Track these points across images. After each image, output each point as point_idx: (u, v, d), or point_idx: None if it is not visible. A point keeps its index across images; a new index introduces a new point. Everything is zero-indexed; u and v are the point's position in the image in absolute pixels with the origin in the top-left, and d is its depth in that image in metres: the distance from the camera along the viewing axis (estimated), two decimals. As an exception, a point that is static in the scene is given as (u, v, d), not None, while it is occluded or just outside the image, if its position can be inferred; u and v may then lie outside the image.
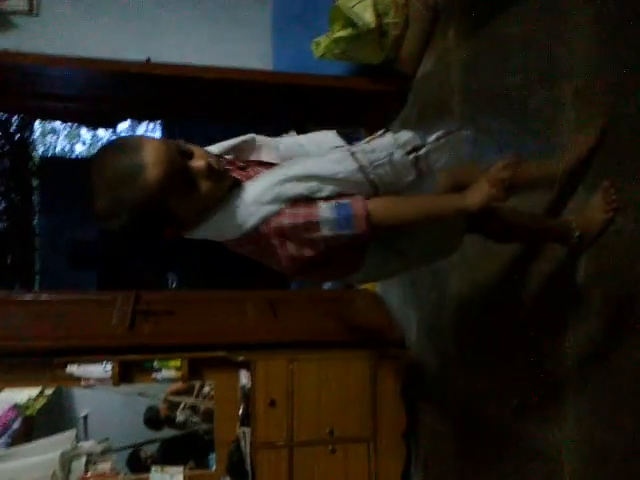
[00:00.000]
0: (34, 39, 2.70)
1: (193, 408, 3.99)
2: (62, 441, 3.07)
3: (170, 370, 2.62)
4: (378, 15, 2.46)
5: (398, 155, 1.19)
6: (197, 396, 3.96)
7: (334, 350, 2.73)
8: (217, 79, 2.51)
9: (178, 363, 2.59)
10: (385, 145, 1.20)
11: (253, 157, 1.33)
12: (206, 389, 3.92)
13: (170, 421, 3.99)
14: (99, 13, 2.87)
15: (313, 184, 1.14)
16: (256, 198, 1.14)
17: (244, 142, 1.33)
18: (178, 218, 1.15)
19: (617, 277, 1.47)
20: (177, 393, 3.97)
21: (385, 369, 2.73)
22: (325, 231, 1.13)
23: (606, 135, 1.48)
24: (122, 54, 2.59)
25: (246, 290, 3.13)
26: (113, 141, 1.15)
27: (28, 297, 2.91)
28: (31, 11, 2.75)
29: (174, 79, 2.53)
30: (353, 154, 1.16)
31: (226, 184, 1.16)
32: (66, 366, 2.50)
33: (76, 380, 2.55)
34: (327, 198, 1.14)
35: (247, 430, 2.65)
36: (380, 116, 2.78)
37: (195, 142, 1.19)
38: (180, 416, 3.96)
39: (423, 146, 1.23)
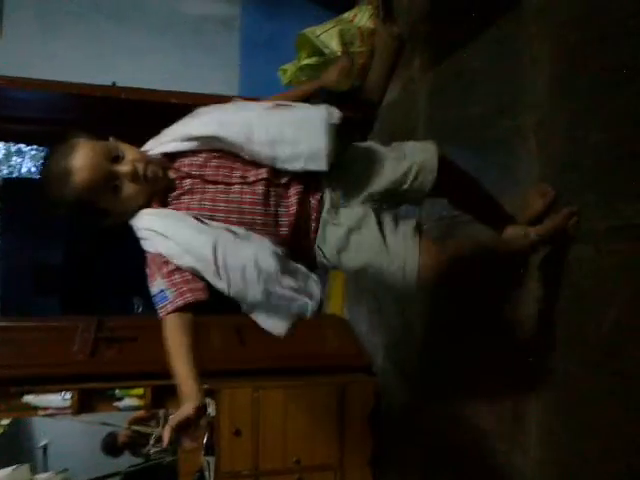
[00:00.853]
0: (-3, 61, 2.66)
1: (159, 437, 3.91)
2: (18, 474, 2.96)
3: (132, 398, 2.56)
4: (344, 44, 2.50)
5: (250, 271, 1.16)
6: (163, 425, 3.88)
7: (301, 377, 2.71)
8: (183, 104, 2.51)
9: (141, 391, 2.54)
10: (244, 257, 1.17)
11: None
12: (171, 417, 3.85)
13: (129, 448, 3.90)
14: (64, 36, 2.85)
15: (175, 249, 1.18)
16: (138, 228, 1.24)
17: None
18: (114, 212, 1.24)
19: (578, 306, 1.49)
20: (140, 420, 3.88)
21: (352, 396, 2.72)
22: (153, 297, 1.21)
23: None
24: (88, 78, 2.57)
25: (212, 315, 3.08)
26: (60, 142, 1.23)
27: (-15, 324, 2.82)
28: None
29: (140, 103, 2.52)
30: (214, 248, 1.15)
31: (154, 186, 1.23)
32: (22, 395, 2.42)
33: (33, 410, 2.47)
34: (175, 269, 1.18)
35: (211, 460, 2.60)
36: (346, 144, 2.80)
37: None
38: (153, 448, 3.87)
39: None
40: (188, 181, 1.24)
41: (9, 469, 3.11)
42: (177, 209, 1.24)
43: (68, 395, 2.44)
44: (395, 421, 2.67)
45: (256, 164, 1.24)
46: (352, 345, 2.97)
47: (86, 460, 3.98)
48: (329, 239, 1.26)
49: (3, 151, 8.81)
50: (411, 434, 2.50)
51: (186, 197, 1.24)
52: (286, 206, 1.24)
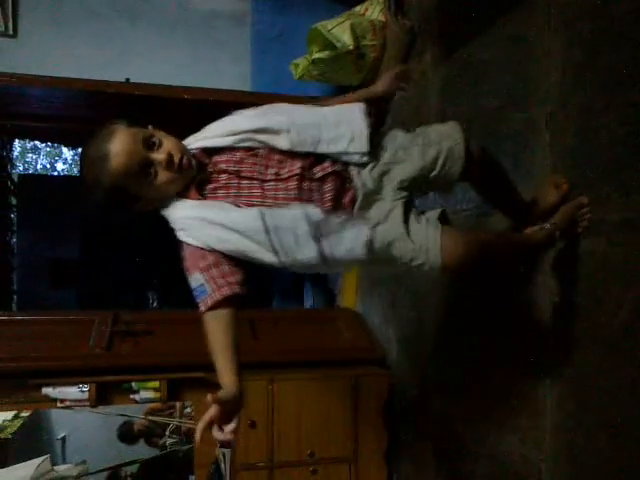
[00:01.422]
0: (12, 60, 2.69)
1: (176, 428, 3.97)
2: (37, 466, 3.01)
3: (149, 391, 2.59)
4: (356, 37, 2.50)
5: (301, 226, 1.20)
6: (180, 416, 3.94)
7: (315, 370, 2.73)
8: (196, 100, 2.53)
9: (157, 384, 2.56)
10: (293, 215, 1.21)
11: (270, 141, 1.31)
12: (188, 409, 3.90)
13: (145, 436, 3.96)
14: (78, 34, 2.88)
15: (221, 232, 1.22)
16: (177, 218, 1.27)
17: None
18: (146, 198, 1.27)
19: (591, 299, 1.49)
20: (156, 411, 3.94)
21: (366, 389, 2.72)
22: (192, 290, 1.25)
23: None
24: (102, 74, 2.60)
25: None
26: (100, 128, 1.26)
27: (3, 317, 2.86)
28: (8, 32, 2.75)
29: (153, 99, 2.54)
30: (262, 215, 1.20)
31: (186, 176, 1.26)
32: (41, 388, 2.46)
33: (52, 402, 2.51)
34: (214, 263, 1.22)
35: (227, 451, 2.63)
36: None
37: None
38: (169, 439, 3.93)
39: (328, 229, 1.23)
40: (224, 176, 1.28)
41: (35, 462, 3.16)
42: (213, 199, 1.27)
43: (85, 387, 2.47)
44: (409, 413, 2.68)
45: (292, 158, 1.27)
46: (366, 338, 2.97)
47: (104, 451, 4.04)
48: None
49: (19, 148, 8.91)
50: (425, 426, 2.51)
51: (222, 191, 1.27)
52: (320, 201, 1.26)
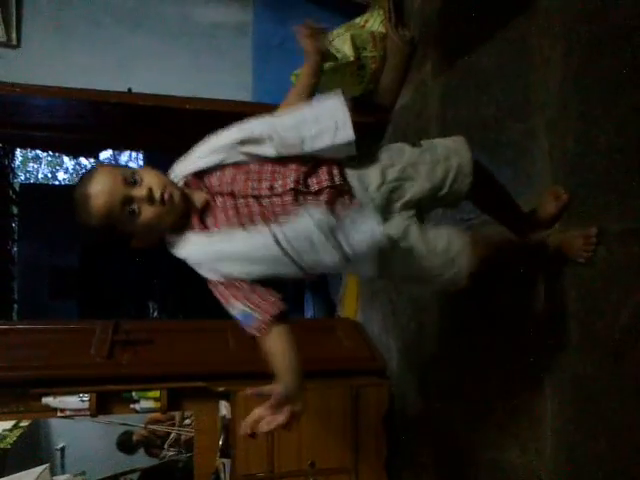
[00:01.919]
0: (15, 69, 2.71)
1: (175, 440, 3.96)
2: (36, 475, 3.00)
3: (149, 401, 2.58)
4: (357, 49, 2.52)
5: (317, 238, 1.18)
6: (180, 426, 3.93)
7: (315, 380, 2.72)
8: (198, 110, 2.54)
9: (157, 393, 2.56)
10: (304, 227, 1.18)
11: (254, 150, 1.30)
12: (187, 420, 3.89)
13: (144, 446, 3.95)
14: (80, 43, 2.89)
15: (242, 266, 1.22)
16: (189, 255, 1.27)
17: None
18: (138, 235, 1.27)
19: (591, 305, 1.49)
20: (157, 421, 3.94)
21: (366, 399, 2.72)
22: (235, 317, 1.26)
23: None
24: (103, 84, 2.61)
25: (228, 319, 3.11)
26: (86, 172, 1.29)
27: (4, 326, 2.86)
28: (12, 43, 2.77)
29: (155, 109, 2.55)
30: (277, 241, 1.18)
31: (175, 210, 1.24)
32: (42, 397, 2.46)
33: (52, 411, 2.50)
34: (250, 291, 1.22)
35: (227, 461, 2.62)
36: (359, 147, 2.82)
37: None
38: (168, 452, 3.92)
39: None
40: (220, 199, 1.26)
41: (34, 472, 3.15)
42: (217, 227, 1.26)
43: (86, 397, 2.47)
44: (409, 423, 2.67)
45: (284, 166, 1.25)
46: (366, 348, 2.97)
47: (103, 461, 4.03)
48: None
49: (20, 157, 8.93)
50: (426, 436, 2.50)
51: (222, 215, 1.26)
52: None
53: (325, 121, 1.24)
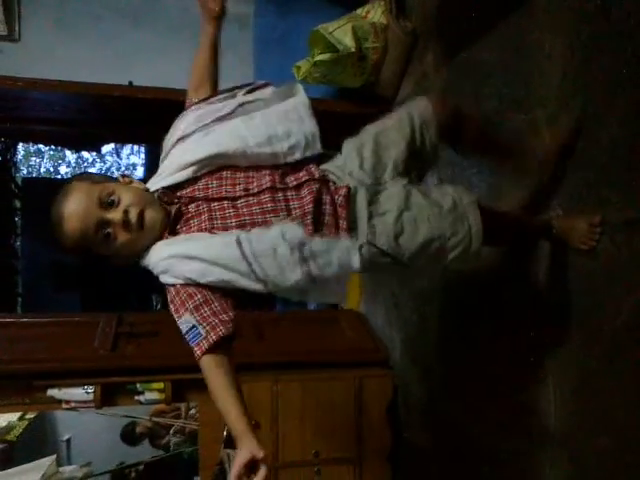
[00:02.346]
0: (16, 63, 2.71)
1: (181, 430, 3.98)
2: (43, 466, 3.03)
3: (153, 392, 2.60)
4: (358, 40, 2.51)
5: (282, 250, 1.13)
6: (185, 417, 3.96)
7: (319, 371, 2.74)
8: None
9: (161, 385, 2.58)
10: (271, 237, 1.13)
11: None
12: (192, 411, 3.91)
13: (149, 437, 3.98)
14: (81, 37, 2.89)
15: (201, 266, 1.15)
16: (154, 263, 1.21)
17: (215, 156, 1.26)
18: (114, 257, 1.23)
19: (593, 300, 1.50)
20: (161, 413, 3.96)
21: (370, 390, 2.74)
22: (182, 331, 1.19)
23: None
24: (104, 77, 2.61)
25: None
26: (63, 186, 1.21)
27: (9, 319, 2.88)
28: (14, 37, 2.77)
29: (156, 102, 2.55)
30: (238, 242, 1.13)
31: (152, 232, 1.21)
32: (47, 389, 2.47)
33: (57, 403, 2.52)
34: (203, 302, 1.16)
35: (231, 452, 2.63)
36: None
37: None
38: (173, 438, 3.95)
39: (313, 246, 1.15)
40: (193, 205, 1.23)
41: (41, 463, 3.18)
42: (188, 234, 1.22)
43: (91, 389, 2.49)
44: (412, 414, 2.69)
45: (257, 171, 1.24)
46: (369, 339, 2.98)
47: (108, 452, 4.06)
48: (381, 230, 1.21)
49: (22, 152, 8.94)
50: (429, 427, 2.52)
51: (195, 220, 1.22)
52: (300, 207, 1.19)
53: (296, 135, 1.24)
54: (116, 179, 1.28)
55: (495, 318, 1.96)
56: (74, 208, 1.14)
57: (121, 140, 5.11)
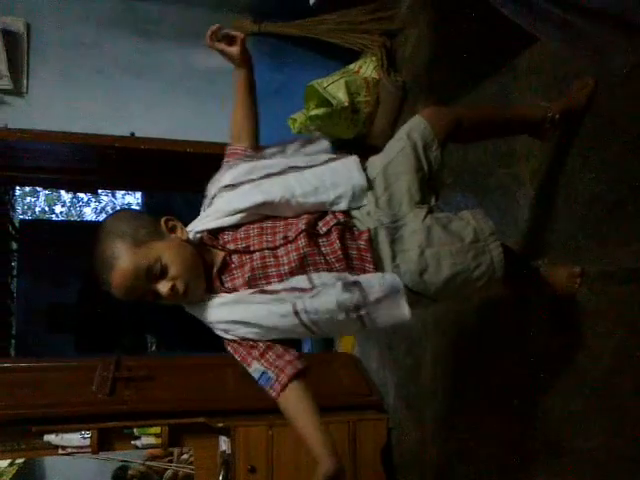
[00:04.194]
0: (23, 116, 2.79)
1: (174, 475, 3.94)
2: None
3: (150, 437, 2.62)
4: (350, 94, 2.64)
5: (340, 317, 1.17)
6: (177, 461, 3.92)
7: (313, 414, 2.75)
8: (198, 153, 2.64)
9: (158, 430, 2.60)
10: (327, 308, 1.16)
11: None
12: (184, 456, 3.89)
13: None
14: (84, 91, 2.96)
15: (257, 330, 1.22)
16: (212, 323, 1.27)
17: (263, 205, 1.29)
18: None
19: (576, 344, 1.56)
20: (154, 457, 3.92)
21: (364, 433, 2.75)
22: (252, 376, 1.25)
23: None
24: (106, 129, 2.70)
25: (226, 355, 3.15)
26: (111, 225, 1.23)
27: (6, 364, 2.90)
28: (21, 91, 2.86)
29: (157, 152, 2.65)
30: (296, 313, 1.17)
31: (197, 296, 1.26)
32: (43, 435, 2.49)
33: (54, 449, 2.53)
34: (266, 349, 1.23)
35: (226, 497, 2.64)
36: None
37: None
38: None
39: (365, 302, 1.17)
40: (235, 256, 1.26)
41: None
42: (234, 286, 1.26)
43: (87, 434, 2.50)
44: (407, 457, 2.70)
45: (296, 218, 1.27)
46: (363, 382, 3.01)
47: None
48: (405, 269, 1.22)
49: (18, 191, 9.01)
50: (423, 470, 2.53)
51: (238, 271, 1.26)
52: (333, 253, 1.22)
53: (343, 186, 1.27)
54: (158, 221, 1.28)
55: (488, 363, 2.01)
56: (121, 282, 1.18)
57: (118, 186, 5.20)
